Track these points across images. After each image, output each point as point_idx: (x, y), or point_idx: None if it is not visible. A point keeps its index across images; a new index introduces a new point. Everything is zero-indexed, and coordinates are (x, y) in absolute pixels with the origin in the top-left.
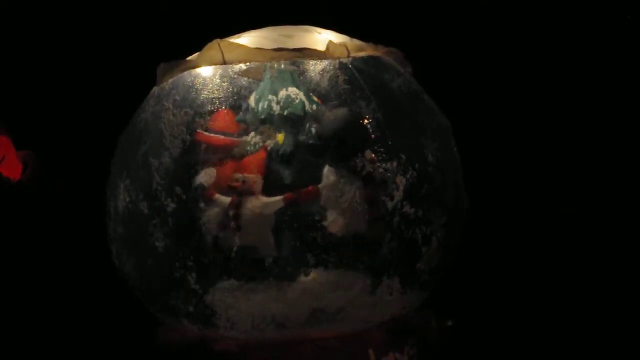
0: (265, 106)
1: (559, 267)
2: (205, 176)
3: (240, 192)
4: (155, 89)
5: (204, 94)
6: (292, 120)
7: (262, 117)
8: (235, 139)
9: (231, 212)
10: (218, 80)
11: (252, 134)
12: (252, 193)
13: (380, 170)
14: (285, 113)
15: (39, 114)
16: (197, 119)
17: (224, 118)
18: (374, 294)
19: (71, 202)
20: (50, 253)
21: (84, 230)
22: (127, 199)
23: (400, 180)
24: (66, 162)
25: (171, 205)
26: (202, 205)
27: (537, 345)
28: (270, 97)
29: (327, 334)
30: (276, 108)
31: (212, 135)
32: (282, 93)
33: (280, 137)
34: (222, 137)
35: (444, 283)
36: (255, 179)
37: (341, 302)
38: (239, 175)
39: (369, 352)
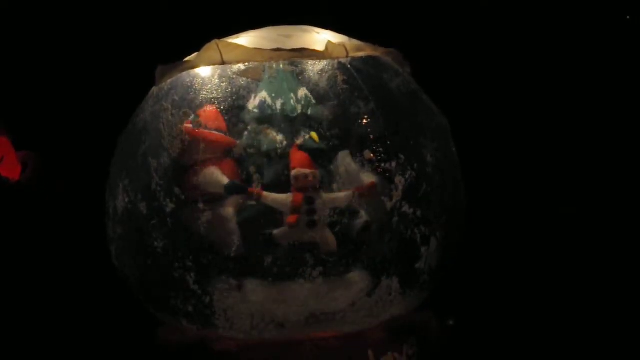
0: (292, 104)
1: (558, 266)
2: (212, 175)
3: (308, 188)
4: (154, 89)
5: (203, 95)
6: (316, 120)
7: (293, 115)
8: (231, 138)
9: (304, 208)
10: (217, 81)
11: (273, 132)
12: (317, 189)
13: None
14: (310, 112)
15: (38, 114)
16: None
17: (217, 115)
18: (374, 294)
19: (71, 202)
20: (50, 253)
21: (84, 230)
22: (127, 199)
23: (400, 181)
24: (66, 162)
25: (170, 206)
26: (201, 205)
27: (537, 345)
28: (291, 96)
29: (326, 334)
30: (298, 107)
31: (213, 132)
32: (301, 92)
33: (314, 135)
34: (220, 134)
35: (444, 283)
36: (318, 173)
37: (341, 302)
38: (307, 171)
39: (369, 352)
